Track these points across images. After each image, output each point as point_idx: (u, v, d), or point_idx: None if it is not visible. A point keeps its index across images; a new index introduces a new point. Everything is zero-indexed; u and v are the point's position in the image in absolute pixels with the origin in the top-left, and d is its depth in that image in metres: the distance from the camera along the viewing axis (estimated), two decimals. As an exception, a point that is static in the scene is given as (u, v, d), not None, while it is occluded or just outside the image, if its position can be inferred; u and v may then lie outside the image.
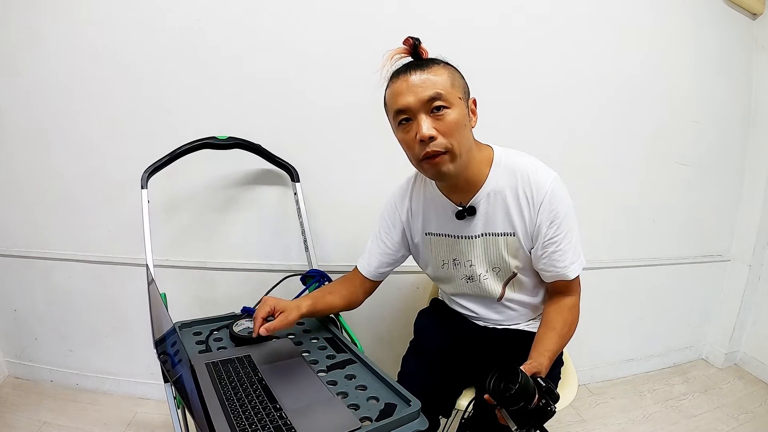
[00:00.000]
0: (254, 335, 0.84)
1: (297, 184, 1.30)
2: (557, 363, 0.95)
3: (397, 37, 0.83)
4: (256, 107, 1.33)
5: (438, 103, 0.76)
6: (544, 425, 0.68)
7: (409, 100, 0.76)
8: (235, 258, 1.43)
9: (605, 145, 1.57)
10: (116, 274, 1.46)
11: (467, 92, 0.82)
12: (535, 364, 0.76)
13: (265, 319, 0.85)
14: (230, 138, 1.21)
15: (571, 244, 0.86)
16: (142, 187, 1.08)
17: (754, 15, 1.69)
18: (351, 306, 1.04)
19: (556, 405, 0.68)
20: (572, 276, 0.88)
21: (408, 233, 1.00)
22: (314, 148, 1.37)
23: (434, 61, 0.80)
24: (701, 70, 1.64)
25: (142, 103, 1.33)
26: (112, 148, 1.37)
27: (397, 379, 0.81)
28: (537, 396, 0.67)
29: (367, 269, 1.02)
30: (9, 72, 1.34)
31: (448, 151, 0.78)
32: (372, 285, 1.05)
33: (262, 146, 1.27)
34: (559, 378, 0.98)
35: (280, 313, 0.87)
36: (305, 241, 1.29)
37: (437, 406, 0.92)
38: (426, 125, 0.76)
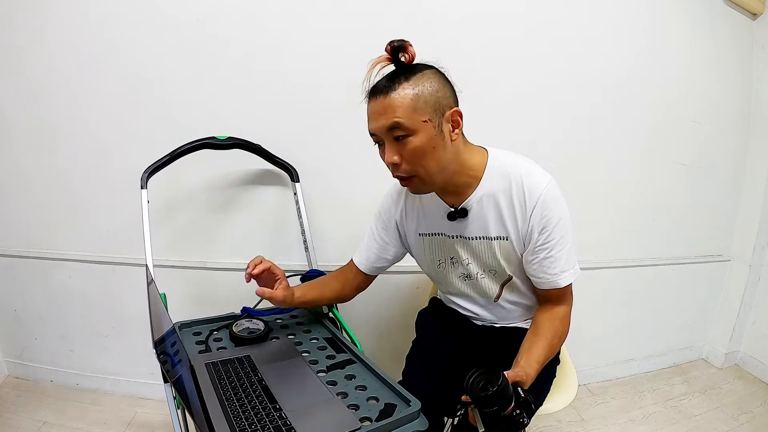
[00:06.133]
0: (246, 276, 0.90)
1: (297, 184, 1.30)
2: (552, 361, 0.94)
3: (397, 35, 0.82)
4: (255, 107, 1.33)
5: (398, 132, 0.75)
6: None
7: (372, 127, 0.78)
8: (235, 258, 1.43)
9: (604, 144, 1.57)
10: (116, 274, 1.46)
11: (441, 108, 0.75)
12: (521, 373, 0.74)
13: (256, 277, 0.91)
14: (230, 138, 1.21)
15: (563, 251, 0.83)
16: (141, 187, 1.08)
17: (754, 15, 1.69)
18: (341, 299, 1.07)
19: (529, 419, 0.65)
20: (563, 284, 0.85)
21: (402, 232, 1.00)
22: (314, 148, 1.37)
23: (404, 77, 0.74)
24: (702, 70, 1.64)
25: (143, 104, 1.33)
26: (113, 149, 1.37)
27: (401, 378, 0.81)
28: (513, 405, 0.64)
29: (361, 262, 1.03)
30: (13, 72, 1.34)
31: (416, 176, 0.79)
32: (365, 279, 1.06)
33: (262, 146, 1.27)
34: (554, 376, 0.98)
35: (278, 280, 0.92)
36: (305, 241, 1.29)
37: (441, 407, 0.91)
38: (389, 153, 0.77)
